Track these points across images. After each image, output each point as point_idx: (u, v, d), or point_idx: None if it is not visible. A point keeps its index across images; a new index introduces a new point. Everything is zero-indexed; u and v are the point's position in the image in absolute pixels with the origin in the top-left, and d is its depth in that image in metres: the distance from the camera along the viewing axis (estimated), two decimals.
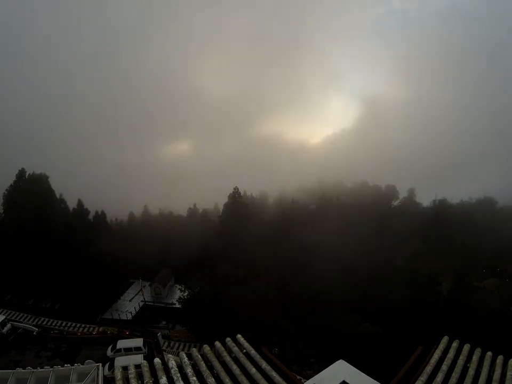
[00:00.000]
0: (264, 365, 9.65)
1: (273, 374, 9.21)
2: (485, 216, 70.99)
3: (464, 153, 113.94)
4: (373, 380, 8.69)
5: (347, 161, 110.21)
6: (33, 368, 18.88)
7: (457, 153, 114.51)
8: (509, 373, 10.38)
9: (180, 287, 43.33)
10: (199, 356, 10.10)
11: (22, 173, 46.42)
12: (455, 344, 11.71)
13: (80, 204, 49.98)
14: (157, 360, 9.57)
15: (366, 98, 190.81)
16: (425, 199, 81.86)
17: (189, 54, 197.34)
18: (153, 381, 8.75)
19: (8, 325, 31.54)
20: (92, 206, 51.30)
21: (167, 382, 8.62)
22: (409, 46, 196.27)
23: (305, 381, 11.20)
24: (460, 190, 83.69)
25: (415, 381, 9.40)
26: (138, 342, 30.87)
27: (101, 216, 52.34)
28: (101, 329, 36.00)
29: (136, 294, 47.19)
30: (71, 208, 50.03)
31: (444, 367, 10.26)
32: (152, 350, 31.07)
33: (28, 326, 33.55)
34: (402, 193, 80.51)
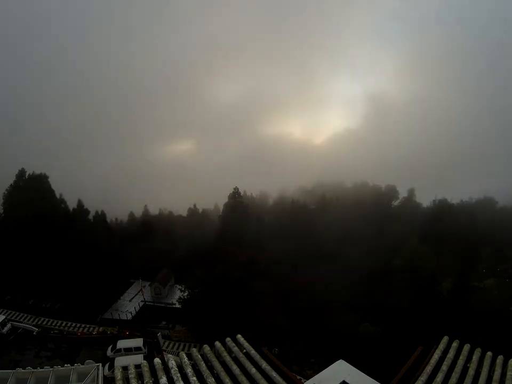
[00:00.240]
0: (264, 365, 9.63)
1: (273, 374, 9.19)
2: (485, 216, 71.00)
3: (464, 153, 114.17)
4: (373, 380, 8.67)
5: (347, 162, 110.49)
6: (33, 368, 18.85)
7: (457, 153, 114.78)
8: (509, 373, 10.36)
9: (180, 287, 43.35)
10: (199, 356, 10.08)
11: (22, 173, 46.40)
12: (455, 344, 11.69)
13: (80, 204, 49.91)
14: (157, 360, 9.54)
15: (367, 99, 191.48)
16: (425, 199, 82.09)
17: (191, 54, 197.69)
18: (153, 381, 8.72)
19: (8, 325, 31.48)
20: (92, 206, 51.30)
21: (167, 382, 8.61)
22: (410, 47, 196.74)
23: (305, 381, 11.19)
24: (460, 190, 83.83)
25: (415, 381, 9.38)
26: (138, 342, 30.83)
27: (101, 216, 52.27)
28: (101, 329, 36.01)
29: (136, 294, 47.21)
30: (71, 208, 49.99)
31: (444, 367, 10.24)
32: (152, 350, 30.99)
33: (28, 326, 33.49)
34: (402, 193, 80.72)
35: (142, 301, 45.44)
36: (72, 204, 50.09)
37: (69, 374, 18.52)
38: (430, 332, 27.87)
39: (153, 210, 74.95)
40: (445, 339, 11.96)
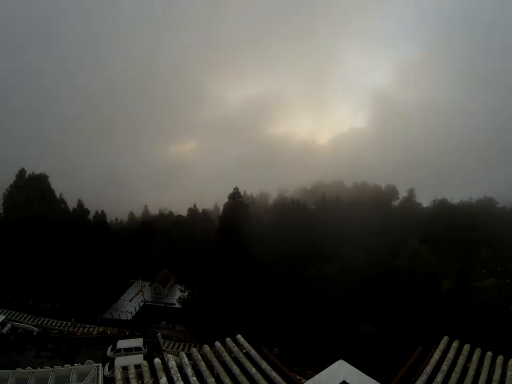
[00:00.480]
0: (264, 365, 9.64)
1: (273, 374, 9.19)
2: (485, 216, 70.96)
3: (464, 153, 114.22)
4: (373, 380, 8.68)
5: (347, 162, 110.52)
6: (33, 368, 18.89)
7: (457, 153, 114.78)
8: (509, 373, 10.36)
9: (180, 287, 43.31)
10: (199, 356, 10.08)
11: (22, 173, 46.39)
12: (455, 344, 11.69)
13: (80, 204, 49.88)
14: (157, 360, 9.54)
15: (368, 99, 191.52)
16: (425, 199, 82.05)
17: (194, 54, 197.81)
18: (153, 381, 8.73)
19: (8, 325, 31.51)
20: (92, 206, 51.27)
21: (167, 382, 8.61)
22: (412, 49, 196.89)
23: (305, 381, 11.19)
24: (460, 190, 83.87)
25: (415, 381, 9.39)
26: (138, 342, 30.85)
27: (101, 216, 52.24)
28: (101, 329, 36.01)
29: (136, 294, 47.19)
30: (71, 208, 49.97)
31: (444, 367, 10.24)
32: (152, 350, 31.02)
33: (28, 326, 33.52)
34: (402, 193, 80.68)
35: (142, 301, 45.42)
36: (72, 204, 50.11)
37: (69, 374, 18.55)
38: (430, 332, 27.86)
39: (153, 210, 75.08)
40: (445, 339, 11.96)
